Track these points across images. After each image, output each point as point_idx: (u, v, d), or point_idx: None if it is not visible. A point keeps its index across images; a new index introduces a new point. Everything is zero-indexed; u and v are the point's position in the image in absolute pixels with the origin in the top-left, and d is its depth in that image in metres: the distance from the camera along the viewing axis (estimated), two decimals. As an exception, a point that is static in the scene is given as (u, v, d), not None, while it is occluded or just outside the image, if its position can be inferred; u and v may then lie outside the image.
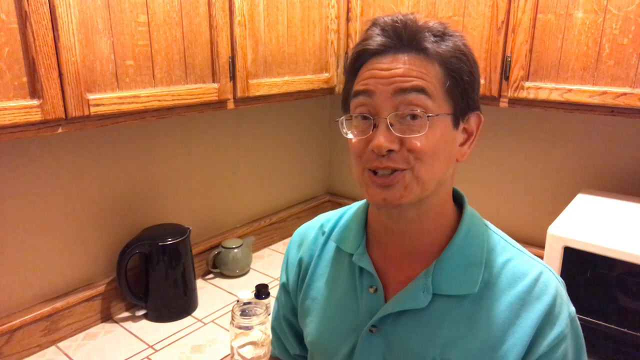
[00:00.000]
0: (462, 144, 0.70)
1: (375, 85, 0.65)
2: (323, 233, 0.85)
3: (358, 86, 0.67)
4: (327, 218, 0.86)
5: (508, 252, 0.72)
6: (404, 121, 0.64)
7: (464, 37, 0.69)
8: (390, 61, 0.65)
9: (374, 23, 0.69)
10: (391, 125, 0.64)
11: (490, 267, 0.70)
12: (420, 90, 0.63)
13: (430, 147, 0.64)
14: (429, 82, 0.64)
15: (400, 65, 0.64)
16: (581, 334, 0.71)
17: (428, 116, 0.63)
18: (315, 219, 0.89)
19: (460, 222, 0.73)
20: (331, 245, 0.82)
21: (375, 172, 0.66)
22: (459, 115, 0.67)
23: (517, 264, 0.70)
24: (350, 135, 0.68)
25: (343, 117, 0.70)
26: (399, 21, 0.66)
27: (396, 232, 0.73)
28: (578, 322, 0.71)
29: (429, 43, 0.65)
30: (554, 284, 0.69)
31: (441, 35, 0.66)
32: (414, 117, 0.64)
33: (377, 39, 0.66)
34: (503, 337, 0.66)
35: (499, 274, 0.69)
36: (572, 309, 0.70)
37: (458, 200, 0.77)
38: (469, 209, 0.75)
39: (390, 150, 0.64)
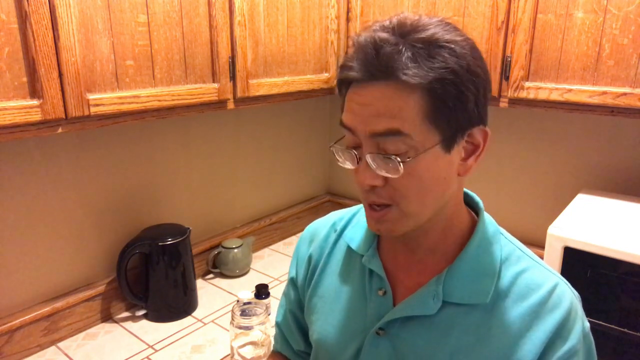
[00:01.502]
0: (465, 158, 0.65)
1: (355, 125, 0.62)
2: (335, 231, 0.84)
3: (343, 117, 0.65)
4: (340, 216, 0.86)
5: (523, 262, 0.70)
6: (383, 160, 0.61)
7: (459, 45, 0.60)
8: (365, 94, 0.61)
9: (353, 43, 0.63)
10: (373, 161, 0.62)
11: (503, 277, 0.68)
12: (395, 132, 0.59)
13: (414, 184, 0.62)
14: (405, 119, 0.59)
15: (373, 100, 0.60)
16: (594, 352, 0.69)
17: (401, 162, 0.60)
18: (328, 215, 0.89)
19: (475, 229, 0.71)
20: (342, 244, 0.82)
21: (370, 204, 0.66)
22: (450, 139, 0.62)
23: (532, 275, 0.68)
24: (348, 165, 0.66)
25: (337, 147, 0.67)
26: (370, 45, 0.60)
27: (407, 243, 0.72)
28: (592, 339, 0.69)
29: (406, 70, 0.58)
30: (568, 298, 0.67)
31: (426, 51, 0.59)
32: (389, 158, 0.60)
33: (353, 70, 0.62)
34: (513, 349, 0.65)
35: (512, 284, 0.68)
36: (587, 324, 0.68)
37: (473, 206, 0.75)
38: (485, 216, 0.73)
39: (374, 186, 0.63)
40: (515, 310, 0.66)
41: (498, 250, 0.70)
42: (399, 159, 0.60)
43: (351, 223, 0.83)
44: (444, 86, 0.59)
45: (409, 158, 0.60)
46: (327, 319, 0.79)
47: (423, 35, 0.60)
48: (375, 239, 0.77)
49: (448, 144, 0.62)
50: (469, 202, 0.75)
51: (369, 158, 0.62)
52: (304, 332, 0.89)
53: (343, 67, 0.64)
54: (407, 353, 0.70)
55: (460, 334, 0.67)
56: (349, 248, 0.80)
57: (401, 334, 0.70)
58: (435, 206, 0.65)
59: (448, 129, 0.61)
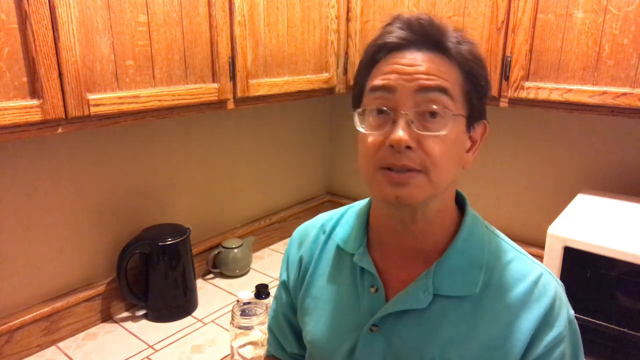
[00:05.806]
0: (467, 151, 0.71)
1: (397, 81, 0.64)
2: (324, 232, 0.85)
3: (377, 81, 0.66)
4: (328, 217, 0.87)
5: (509, 254, 0.72)
6: (423, 119, 0.64)
7: (477, 45, 0.70)
8: (412, 57, 0.65)
9: (396, 18, 0.68)
10: (411, 122, 0.64)
11: (490, 268, 0.70)
12: (443, 90, 0.64)
13: (445, 151, 0.64)
14: (450, 83, 0.64)
15: (422, 62, 0.64)
16: (579, 337, 0.72)
17: (452, 114, 0.64)
18: (316, 217, 0.90)
19: (462, 223, 0.73)
20: (332, 245, 0.82)
21: (389, 169, 0.65)
22: (472, 120, 0.68)
23: (518, 266, 0.71)
24: (369, 130, 0.66)
25: (357, 111, 0.68)
26: (424, 18, 0.66)
27: (398, 232, 0.73)
28: (577, 326, 0.71)
29: (452, 44, 0.66)
30: (553, 287, 0.69)
31: (460, 37, 0.68)
32: (433, 114, 0.64)
33: (399, 33, 0.66)
34: (502, 338, 0.67)
35: (499, 275, 0.70)
36: (571, 312, 0.71)
37: (460, 202, 0.77)
38: (471, 211, 0.75)
39: (408, 147, 0.63)
40: (503, 300, 0.68)
41: (485, 243, 0.72)
42: (448, 111, 0.64)
43: (340, 223, 0.84)
44: (476, 65, 0.67)
45: (452, 114, 0.64)
46: (320, 319, 0.80)
47: (453, 28, 0.69)
48: (364, 238, 0.78)
49: (469, 124, 0.68)
50: (456, 199, 0.77)
51: (412, 114, 0.64)
52: (296, 334, 0.89)
53: (389, 33, 0.67)
54: (401, 347, 0.71)
55: (451, 325, 0.69)
56: (338, 248, 0.81)
57: (394, 329, 0.71)
58: (449, 181, 0.68)
59: (476, 106, 0.68)
